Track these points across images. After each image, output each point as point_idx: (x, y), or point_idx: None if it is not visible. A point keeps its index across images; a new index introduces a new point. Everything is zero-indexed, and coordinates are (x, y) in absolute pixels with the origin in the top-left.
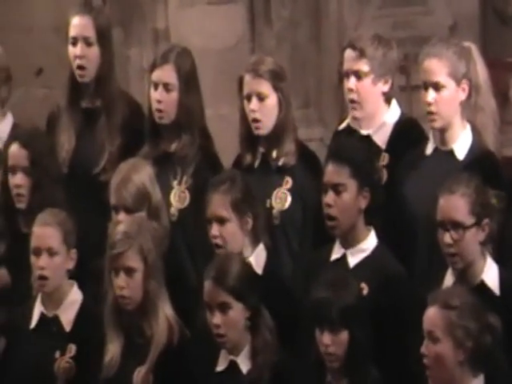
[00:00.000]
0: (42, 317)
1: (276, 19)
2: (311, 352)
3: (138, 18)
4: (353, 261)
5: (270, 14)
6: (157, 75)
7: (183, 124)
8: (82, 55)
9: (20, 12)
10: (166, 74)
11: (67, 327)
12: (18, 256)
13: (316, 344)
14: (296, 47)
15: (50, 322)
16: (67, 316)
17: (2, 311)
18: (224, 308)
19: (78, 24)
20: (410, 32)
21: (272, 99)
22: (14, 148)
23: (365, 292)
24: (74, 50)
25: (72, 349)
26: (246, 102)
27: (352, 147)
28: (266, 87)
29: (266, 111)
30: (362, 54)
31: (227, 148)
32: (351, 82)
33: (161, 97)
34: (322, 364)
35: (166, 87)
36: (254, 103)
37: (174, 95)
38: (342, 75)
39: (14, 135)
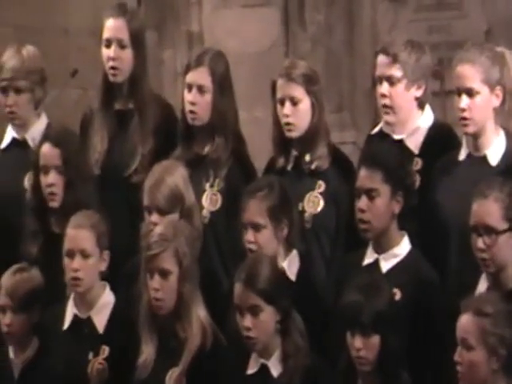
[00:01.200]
0: (75, 318)
1: (310, 23)
2: (342, 357)
3: (173, 20)
4: (385, 266)
5: (304, 17)
6: (191, 77)
7: (217, 126)
8: (116, 57)
9: (56, 14)
10: (200, 76)
11: (100, 329)
12: (50, 256)
13: (347, 348)
14: (330, 51)
15: (82, 324)
16: (100, 318)
17: (36, 312)
18: (255, 311)
19: (112, 26)
20: (444, 36)
21: (305, 103)
22: (46, 147)
23: (397, 297)
24: (107, 52)
25: (105, 350)
26: (279, 106)
27: (385, 152)
28: (299, 91)
29: (298, 115)
30: (394, 59)
31: (261, 151)
32: (384, 88)
33: (194, 99)
34: (353, 368)
35: (200, 89)
36: (287, 107)
37: (208, 97)
38: (375, 80)
39: (45, 135)
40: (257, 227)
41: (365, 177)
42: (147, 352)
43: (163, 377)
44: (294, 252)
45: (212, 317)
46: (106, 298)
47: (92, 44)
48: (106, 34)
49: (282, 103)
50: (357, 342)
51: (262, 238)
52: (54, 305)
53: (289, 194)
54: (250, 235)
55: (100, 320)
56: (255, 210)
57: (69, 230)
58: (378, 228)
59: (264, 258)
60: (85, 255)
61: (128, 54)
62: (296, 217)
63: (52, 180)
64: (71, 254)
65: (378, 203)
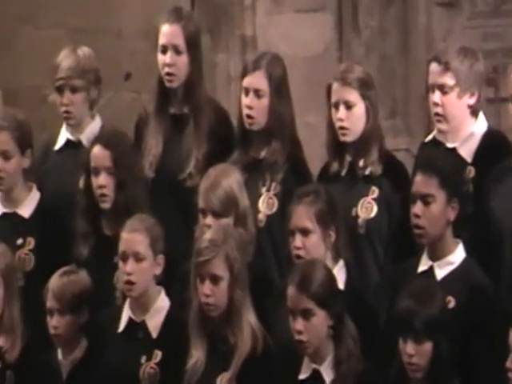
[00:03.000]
0: (130, 321)
1: (364, 28)
2: (394, 363)
3: (226, 24)
4: (440, 273)
5: (358, 22)
6: (248, 81)
7: (273, 130)
8: (172, 63)
9: (109, 17)
10: (257, 80)
11: (154, 333)
12: (101, 258)
13: (399, 354)
14: (384, 57)
15: (137, 327)
16: (154, 322)
17: (83, 314)
18: (307, 315)
19: (167, 32)
20: (499, 44)
21: (360, 108)
22: (97, 149)
23: (451, 305)
24: (163, 58)
25: (158, 355)
26: (333, 110)
27: (441, 158)
28: (353, 96)
29: (353, 120)
30: (447, 67)
31: (313, 156)
32: (436, 96)
33: (251, 103)
34: (405, 375)
35: (257, 93)
36: (341, 111)
37: (265, 101)
38: (428, 88)
39: (96, 137)
40: (305, 232)
41: (421, 182)
42: (197, 356)
43: (213, 382)
44: (342, 262)
45: (265, 320)
46: (161, 303)
47: (145, 47)
48: (161, 40)
49: (337, 107)
50: (409, 348)
51: (310, 242)
52: (111, 306)
53: (335, 201)
54: (297, 241)
55: (154, 324)
56: (303, 214)
57: (123, 234)
58: (433, 234)
59: (318, 263)
60: (138, 259)
61: (184, 60)
62: (342, 225)
63: (103, 181)
64: (125, 258)
65: (434, 209)
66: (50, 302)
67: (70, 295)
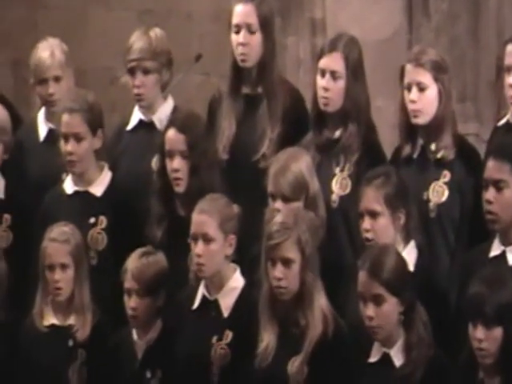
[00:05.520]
0: (204, 300)
1: (434, 12)
2: (464, 349)
3: (296, 7)
4: None
5: (428, 6)
6: (324, 63)
7: (349, 112)
8: (245, 43)
9: None
10: (334, 61)
11: (225, 312)
12: (175, 239)
13: (468, 340)
14: (454, 41)
15: (210, 306)
16: (226, 301)
17: (160, 296)
18: (378, 300)
19: (241, 11)
20: None
21: (432, 90)
22: (171, 133)
23: None
24: (236, 38)
25: (228, 336)
26: (406, 92)
27: None
28: (426, 77)
29: (425, 102)
30: None
31: (383, 141)
32: None
33: (327, 84)
34: (475, 360)
35: (333, 75)
36: (413, 93)
37: (341, 83)
38: (501, 70)
39: (171, 120)
40: (373, 214)
41: (493, 168)
42: (268, 339)
43: (285, 365)
44: (412, 243)
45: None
46: (235, 282)
47: (215, 29)
48: (235, 20)
49: (409, 89)
50: (479, 333)
51: (379, 225)
52: (179, 288)
53: (406, 183)
54: (366, 223)
55: (226, 304)
56: (372, 197)
57: (193, 215)
58: (506, 220)
59: (390, 248)
60: (207, 239)
61: (257, 39)
62: (413, 207)
63: (177, 165)
64: (195, 239)
65: (506, 194)
66: (129, 283)
67: (148, 277)
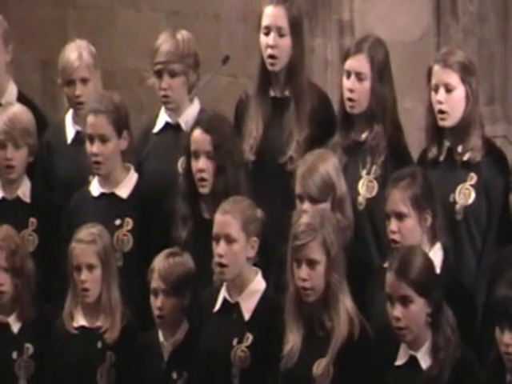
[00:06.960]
0: (225, 302)
1: (462, 13)
2: (492, 351)
3: (324, 8)
4: None
5: (457, 8)
6: (350, 64)
7: (375, 114)
8: (275, 45)
9: (208, 0)
10: (359, 63)
11: (246, 315)
12: (200, 241)
13: (496, 343)
14: (482, 42)
15: (231, 309)
16: (248, 304)
17: (187, 296)
18: (405, 301)
19: (271, 14)
20: None
21: (459, 91)
22: (197, 133)
23: None
24: (266, 40)
25: (249, 338)
26: (433, 93)
27: None
28: (454, 78)
29: (452, 103)
30: None
31: (410, 142)
32: None
33: (353, 86)
34: (502, 363)
35: (359, 76)
36: (441, 94)
37: (367, 85)
38: None
39: (197, 121)
40: (400, 216)
41: None
42: (293, 341)
43: (310, 366)
44: (438, 244)
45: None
46: (256, 285)
47: (243, 30)
48: (265, 21)
49: (437, 90)
50: (506, 337)
51: (406, 227)
52: (204, 289)
53: (432, 184)
54: (393, 225)
55: (248, 306)
56: (398, 198)
57: (216, 216)
58: None
59: (418, 249)
60: (229, 240)
61: (287, 43)
62: (440, 208)
63: (202, 166)
64: (217, 239)
65: None
66: (156, 283)
67: (175, 277)
